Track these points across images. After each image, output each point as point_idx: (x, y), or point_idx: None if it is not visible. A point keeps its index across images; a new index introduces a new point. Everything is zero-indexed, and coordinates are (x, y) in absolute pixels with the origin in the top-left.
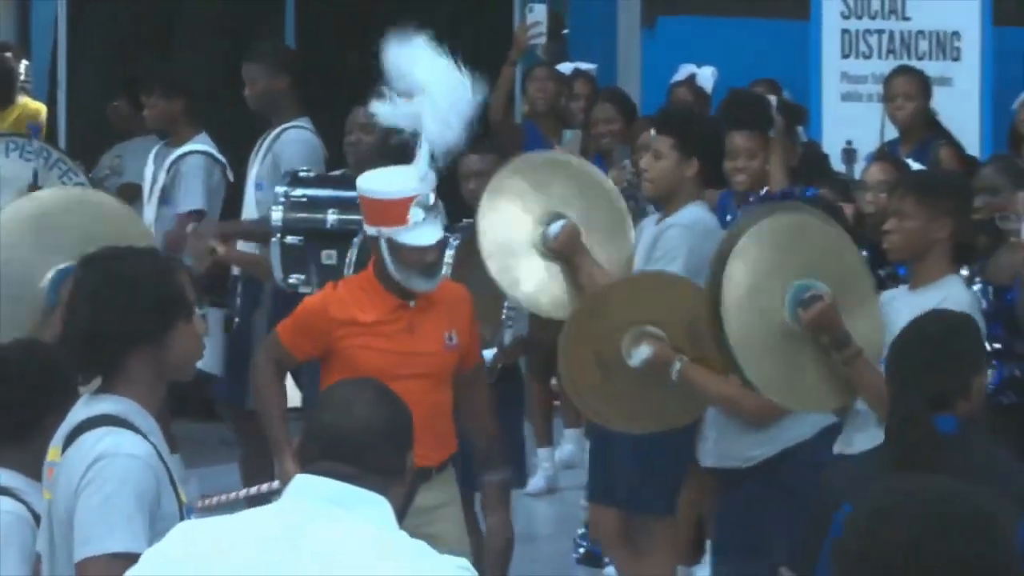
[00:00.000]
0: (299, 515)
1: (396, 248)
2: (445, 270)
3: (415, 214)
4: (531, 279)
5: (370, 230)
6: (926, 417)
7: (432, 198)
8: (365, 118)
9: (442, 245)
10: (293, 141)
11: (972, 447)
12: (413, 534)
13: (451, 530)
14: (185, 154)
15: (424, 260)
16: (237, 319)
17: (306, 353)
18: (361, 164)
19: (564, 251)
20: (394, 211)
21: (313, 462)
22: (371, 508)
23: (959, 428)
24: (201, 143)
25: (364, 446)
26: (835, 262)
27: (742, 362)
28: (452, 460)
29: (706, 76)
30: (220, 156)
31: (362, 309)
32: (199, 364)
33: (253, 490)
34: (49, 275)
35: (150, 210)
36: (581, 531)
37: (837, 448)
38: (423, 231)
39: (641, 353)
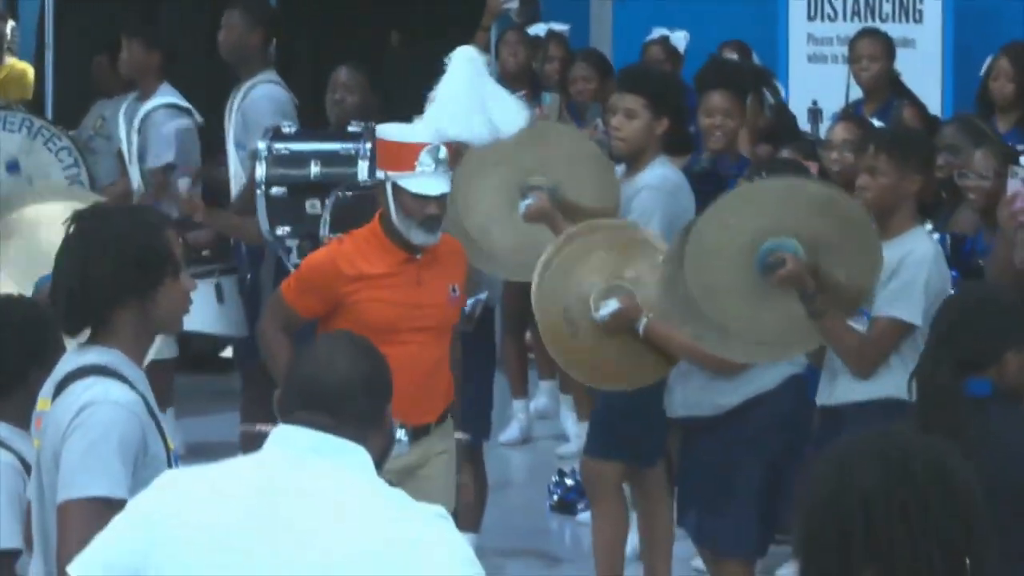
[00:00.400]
0: (280, 464)
1: (400, 195)
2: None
3: (424, 162)
4: (510, 247)
5: (379, 174)
6: (950, 377)
7: (443, 152)
8: (348, 77)
9: (446, 199)
10: (261, 98)
11: (997, 415)
12: (406, 478)
13: (440, 474)
14: (151, 111)
15: (425, 211)
16: (248, 276)
17: (313, 311)
18: (343, 123)
19: (539, 221)
20: (404, 156)
21: (293, 413)
22: (350, 457)
23: (992, 395)
24: (166, 95)
25: (342, 397)
26: (833, 215)
27: (709, 311)
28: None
29: (679, 38)
30: (184, 103)
31: (370, 263)
32: (226, 328)
33: None
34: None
35: (134, 171)
36: (555, 479)
37: (819, 399)
38: (428, 181)
39: (609, 306)
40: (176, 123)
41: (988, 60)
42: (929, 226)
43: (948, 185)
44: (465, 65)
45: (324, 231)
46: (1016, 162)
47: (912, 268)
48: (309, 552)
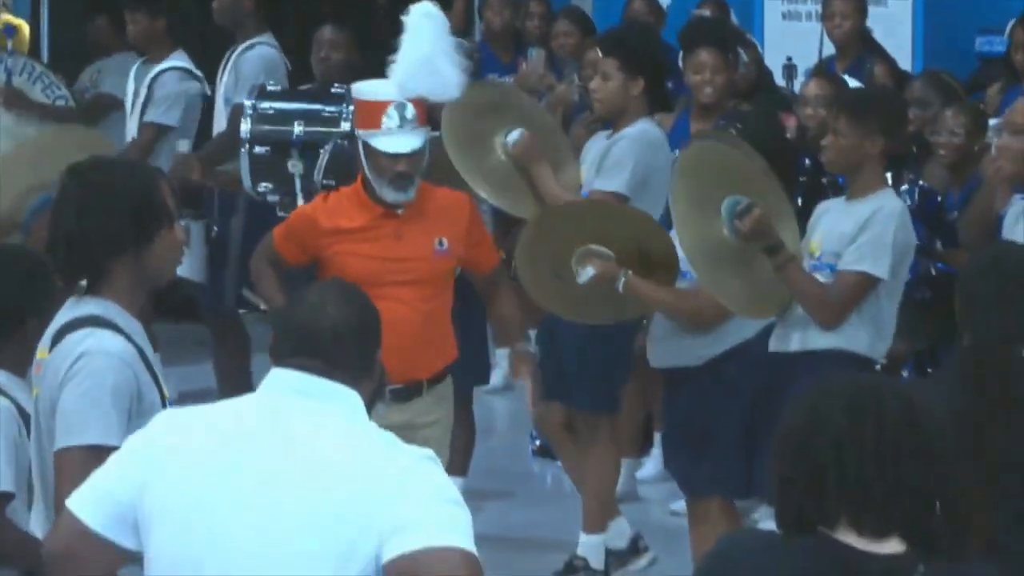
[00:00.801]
0: (273, 406)
1: (370, 153)
2: None
3: (390, 119)
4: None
5: (357, 134)
6: (1004, 345)
7: (410, 109)
8: (332, 35)
9: (417, 157)
10: (255, 57)
11: None
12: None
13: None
14: (163, 71)
15: (394, 168)
16: (216, 228)
17: (295, 257)
18: (328, 80)
19: (522, 159)
20: (372, 113)
21: (286, 358)
22: (341, 400)
23: None
24: (178, 59)
25: (333, 343)
26: (754, 185)
27: (697, 270)
28: (449, 370)
29: None
30: (197, 71)
31: (348, 217)
32: (184, 271)
33: None
34: (32, 203)
35: (133, 123)
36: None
37: (773, 346)
38: (395, 139)
39: (587, 273)
40: (185, 87)
41: (1011, 23)
42: (905, 186)
43: (918, 139)
44: (425, 21)
45: (318, 176)
46: (986, 122)
47: (880, 224)
48: (297, 489)
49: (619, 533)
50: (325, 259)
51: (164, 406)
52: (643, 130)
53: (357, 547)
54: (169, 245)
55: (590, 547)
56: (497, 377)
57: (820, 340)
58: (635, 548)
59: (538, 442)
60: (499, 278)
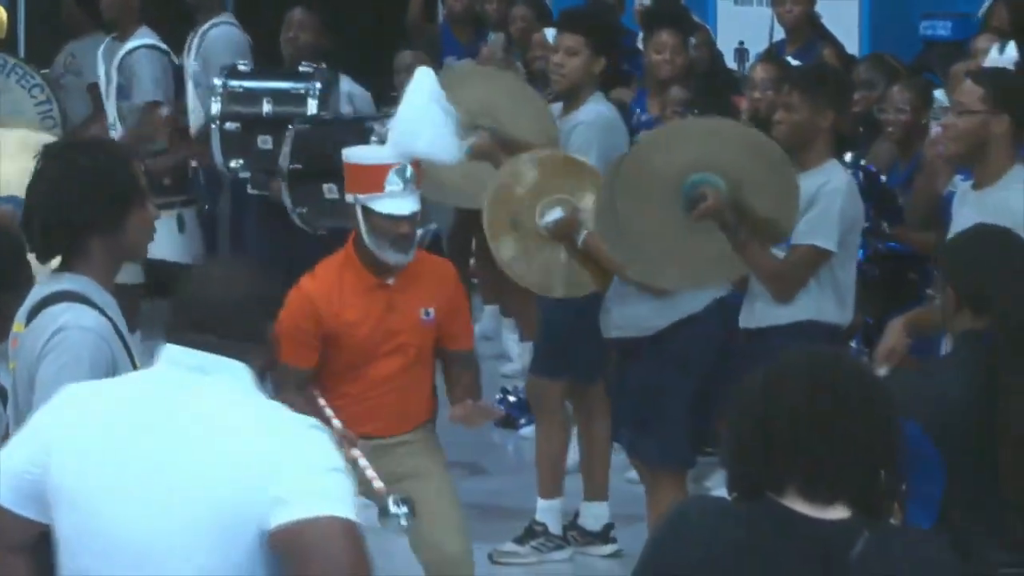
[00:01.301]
0: (164, 381)
1: (370, 216)
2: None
3: (392, 182)
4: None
5: (349, 198)
6: None
7: (410, 171)
8: (302, 16)
9: (416, 220)
10: (219, 38)
11: None
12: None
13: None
14: (132, 50)
15: (397, 231)
16: (206, 207)
17: (311, 360)
18: (296, 60)
19: (484, 157)
20: (371, 178)
21: (177, 332)
22: (230, 373)
23: None
24: (145, 36)
25: (224, 316)
26: (756, 155)
27: (632, 239)
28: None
29: None
30: (163, 46)
31: (342, 295)
32: (184, 257)
33: None
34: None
35: (111, 107)
36: (498, 396)
37: (743, 322)
38: (398, 201)
39: (554, 214)
40: (161, 62)
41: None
42: (849, 156)
43: (865, 119)
44: (426, 84)
45: (284, 163)
46: (931, 98)
47: (828, 198)
48: (183, 461)
49: (596, 516)
50: (326, 338)
51: None
52: (597, 113)
53: (241, 517)
54: (141, 222)
55: (548, 512)
56: None
57: (786, 314)
58: (605, 536)
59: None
60: (470, 363)
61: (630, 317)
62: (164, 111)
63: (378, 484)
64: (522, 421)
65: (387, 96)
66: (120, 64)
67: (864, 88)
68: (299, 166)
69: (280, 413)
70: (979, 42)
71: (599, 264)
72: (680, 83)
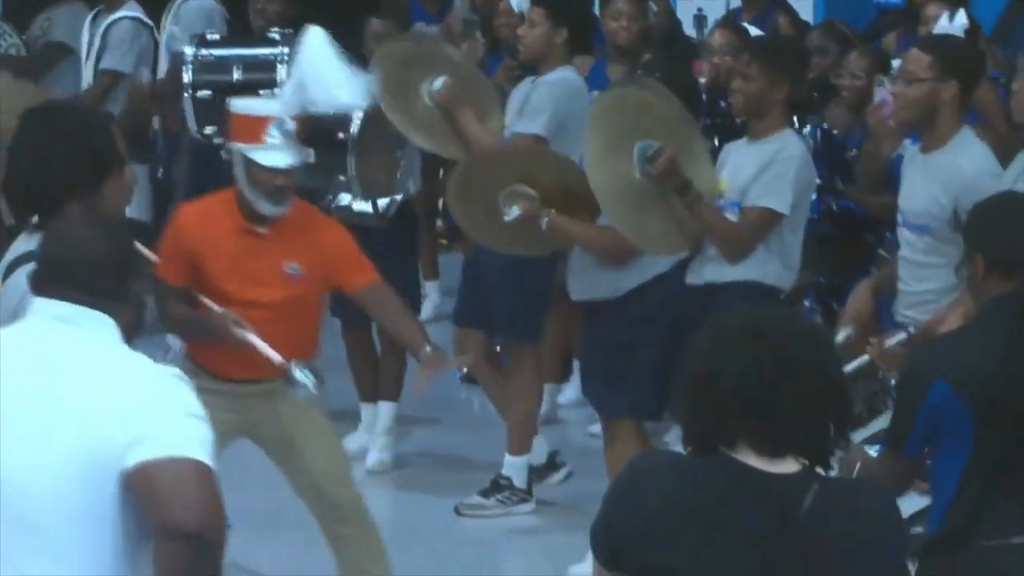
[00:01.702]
0: (35, 332)
1: (249, 166)
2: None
3: (271, 134)
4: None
5: (232, 147)
6: None
7: (291, 125)
8: None
9: (295, 173)
10: (195, 7)
11: None
12: (262, 432)
13: (306, 431)
14: (117, 20)
15: (274, 182)
16: (161, 170)
17: (177, 278)
18: (264, 29)
19: (445, 105)
20: (253, 129)
21: (44, 287)
22: (96, 324)
23: None
24: (131, 9)
25: (88, 273)
26: (673, 128)
27: (607, 209)
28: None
29: None
30: (148, 20)
31: (210, 232)
32: (131, 212)
33: None
34: None
35: (88, 70)
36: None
37: (689, 280)
38: (276, 153)
39: (513, 212)
40: (138, 35)
41: None
42: (808, 128)
43: (819, 85)
44: (317, 42)
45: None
46: (888, 67)
47: (782, 164)
48: (49, 406)
49: (538, 451)
50: (193, 268)
51: None
52: (562, 77)
53: (104, 459)
54: (119, 186)
55: (514, 467)
56: (427, 309)
57: (731, 273)
58: (552, 464)
59: (465, 369)
60: (378, 294)
61: (597, 279)
62: (144, 78)
63: (277, 357)
64: None
65: (356, 64)
66: (104, 32)
67: (818, 54)
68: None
69: (141, 362)
70: (929, 9)
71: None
72: (643, 50)
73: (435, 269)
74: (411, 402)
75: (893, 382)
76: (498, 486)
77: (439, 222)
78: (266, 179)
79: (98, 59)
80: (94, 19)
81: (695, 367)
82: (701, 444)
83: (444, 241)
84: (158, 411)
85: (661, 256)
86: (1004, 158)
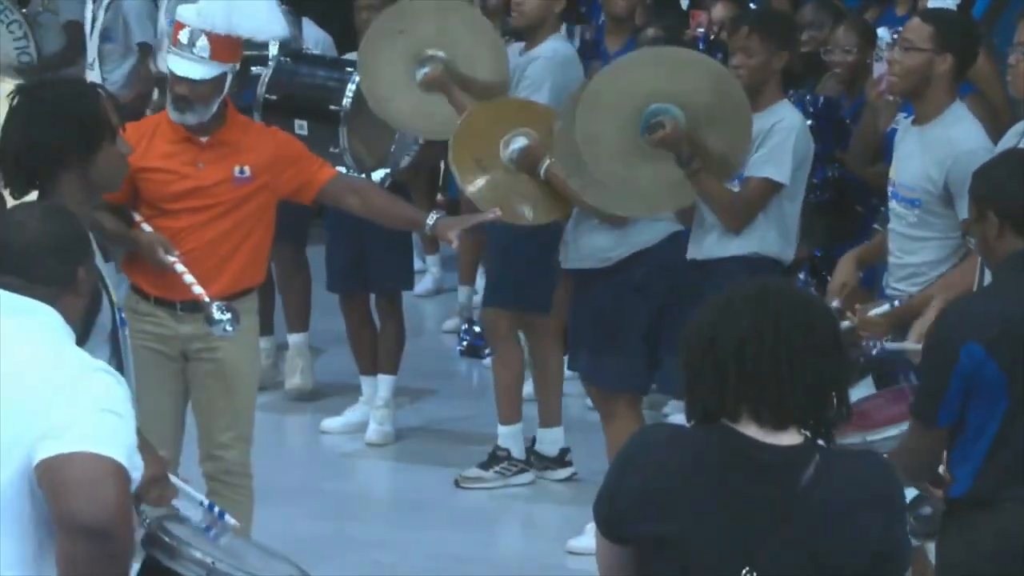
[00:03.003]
0: None
1: (168, 72)
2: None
3: (182, 39)
4: (410, 111)
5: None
6: None
7: (203, 40)
8: None
9: (201, 87)
10: None
11: None
12: (197, 356)
13: (236, 355)
14: None
15: (175, 90)
16: None
17: (116, 196)
18: None
19: (437, 89)
20: (175, 33)
21: None
22: (35, 315)
23: None
24: None
25: (30, 259)
26: (719, 91)
27: (589, 160)
28: (247, 293)
29: None
30: None
31: (151, 141)
32: None
33: None
34: None
35: (92, 46)
36: (464, 327)
37: (690, 253)
38: (181, 62)
39: (518, 142)
40: (147, 8)
41: None
42: (808, 96)
43: (812, 59)
44: None
45: (261, 90)
46: (874, 38)
47: (781, 134)
48: None
49: (552, 441)
50: (132, 179)
51: (112, 307)
52: (555, 49)
53: (19, 453)
54: (112, 157)
55: (509, 437)
56: (427, 282)
57: (732, 247)
58: (561, 460)
59: (464, 343)
60: (350, 182)
61: (589, 248)
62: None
63: (198, 290)
64: (487, 351)
65: (348, 40)
66: (108, 6)
67: (812, 29)
68: (274, 98)
69: (68, 354)
70: None
71: (561, 193)
72: (641, 20)
73: (435, 243)
74: (410, 375)
75: (875, 351)
76: (496, 458)
77: (439, 196)
78: (171, 84)
79: (104, 36)
80: None
81: (696, 337)
82: (703, 416)
83: (452, 246)
84: (72, 404)
85: (650, 225)
86: (996, 132)
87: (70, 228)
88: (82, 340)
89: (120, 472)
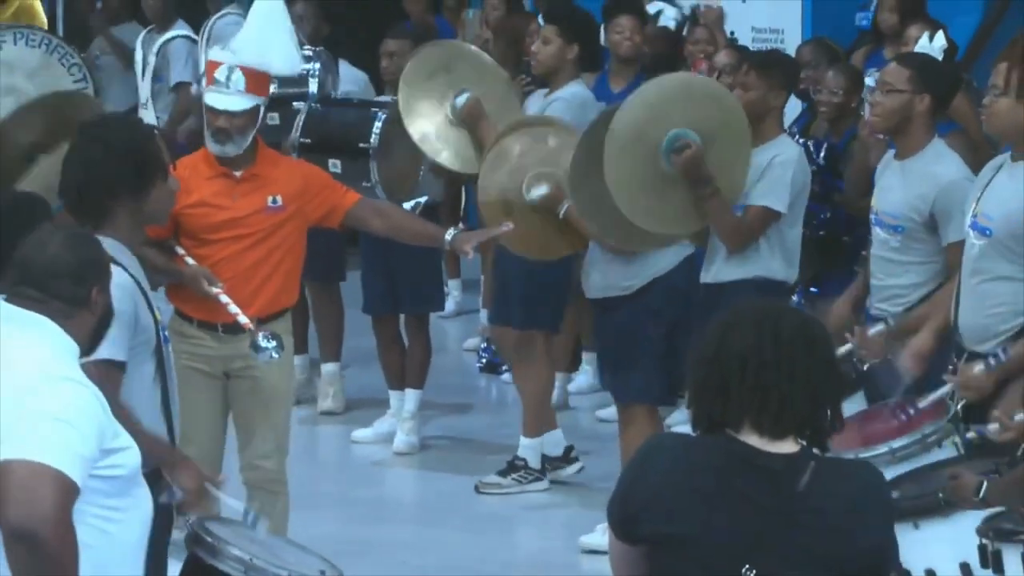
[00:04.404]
0: None
1: (205, 108)
2: (374, 139)
3: (218, 79)
4: (446, 146)
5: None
6: None
7: (238, 74)
8: (303, 9)
9: (239, 119)
10: (227, 26)
11: None
12: (238, 374)
13: (273, 373)
14: (171, 39)
15: (215, 123)
16: None
17: (159, 232)
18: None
19: (468, 119)
20: (209, 72)
21: (8, 286)
22: (38, 329)
23: None
24: (181, 28)
25: (48, 277)
26: (718, 118)
27: (617, 195)
28: (282, 314)
29: None
30: (195, 36)
31: (189, 180)
32: None
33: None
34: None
35: (145, 87)
36: (483, 346)
37: (703, 278)
38: (219, 96)
39: (540, 189)
40: (192, 51)
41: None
42: (812, 143)
43: (806, 96)
44: (271, 5)
45: (296, 135)
46: (862, 82)
47: (781, 167)
48: None
49: (555, 443)
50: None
51: (156, 325)
52: (574, 92)
53: None
54: (163, 193)
55: (529, 449)
56: (450, 304)
57: (740, 271)
58: (567, 457)
59: (484, 359)
60: (373, 204)
61: (610, 279)
62: (194, 89)
63: (244, 320)
64: (504, 367)
65: (381, 80)
66: (158, 50)
67: (808, 68)
68: (308, 140)
69: (41, 365)
70: (911, 31)
71: (580, 230)
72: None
73: (457, 267)
74: (435, 389)
75: (865, 367)
76: (514, 466)
77: (460, 224)
78: (210, 119)
79: (156, 77)
80: (144, 39)
81: (703, 353)
82: (708, 425)
83: (468, 257)
84: (23, 411)
85: (664, 255)
86: (977, 165)
87: (89, 252)
88: (87, 354)
89: (59, 479)
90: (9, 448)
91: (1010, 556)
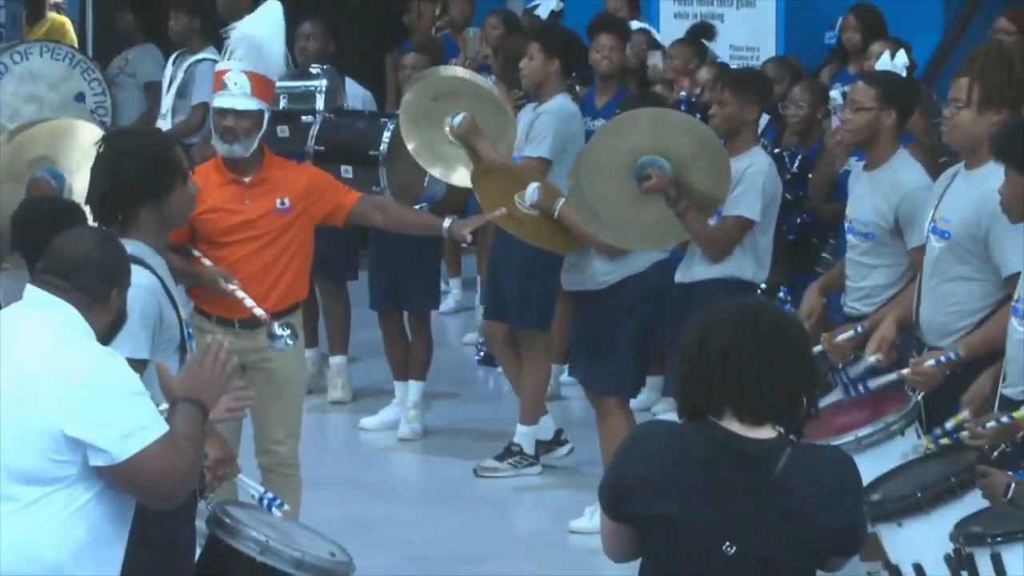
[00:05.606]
0: (14, 311)
1: (212, 113)
2: (383, 147)
3: (225, 84)
4: (445, 161)
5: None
6: None
7: (244, 80)
8: (311, 28)
9: (244, 119)
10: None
11: None
12: (253, 366)
13: (285, 364)
14: (200, 60)
15: (223, 123)
16: None
17: (177, 238)
18: (307, 64)
19: (464, 137)
20: (216, 80)
21: (39, 275)
22: (55, 311)
23: None
24: (210, 52)
25: (76, 269)
26: (694, 140)
27: (603, 213)
28: (294, 308)
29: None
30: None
31: (203, 190)
32: None
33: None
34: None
35: (167, 100)
36: (481, 340)
37: (678, 277)
38: (225, 98)
39: (532, 187)
40: (212, 69)
41: (840, 19)
42: (786, 154)
43: (773, 112)
44: (274, 12)
45: (311, 142)
46: (826, 96)
47: (753, 177)
48: (6, 375)
49: (546, 427)
50: (190, 221)
51: (180, 323)
52: (560, 105)
53: (39, 429)
54: (184, 196)
55: (524, 436)
56: (450, 302)
57: (714, 271)
58: (558, 440)
59: (482, 353)
60: (374, 200)
61: (588, 273)
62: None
63: (260, 312)
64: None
65: (383, 96)
66: (187, 68)
67: (774, 84)
68: (322, 148)
69: (88, 347)
70: (874, 47)
71: (572, 231)
72: (624, 78)
73: (458, 266)
74: (435, 381)
75: (840, 365)
76: (510, 452)
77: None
78: (218, 121)
79: (179, 93)
80: (176, 58)
81: (687, 347)
82: (691, 412)
83: (465, 244)
84: (105, 402)
85: (641, 254)
86: (932, 172)
87: (116, 254)
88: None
89: (167, 440)
90: (124, 445)
91: (982, 560)
